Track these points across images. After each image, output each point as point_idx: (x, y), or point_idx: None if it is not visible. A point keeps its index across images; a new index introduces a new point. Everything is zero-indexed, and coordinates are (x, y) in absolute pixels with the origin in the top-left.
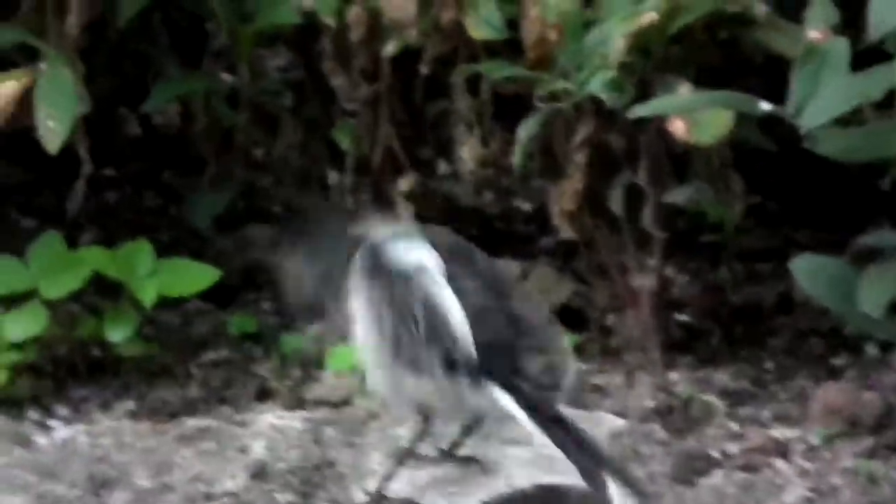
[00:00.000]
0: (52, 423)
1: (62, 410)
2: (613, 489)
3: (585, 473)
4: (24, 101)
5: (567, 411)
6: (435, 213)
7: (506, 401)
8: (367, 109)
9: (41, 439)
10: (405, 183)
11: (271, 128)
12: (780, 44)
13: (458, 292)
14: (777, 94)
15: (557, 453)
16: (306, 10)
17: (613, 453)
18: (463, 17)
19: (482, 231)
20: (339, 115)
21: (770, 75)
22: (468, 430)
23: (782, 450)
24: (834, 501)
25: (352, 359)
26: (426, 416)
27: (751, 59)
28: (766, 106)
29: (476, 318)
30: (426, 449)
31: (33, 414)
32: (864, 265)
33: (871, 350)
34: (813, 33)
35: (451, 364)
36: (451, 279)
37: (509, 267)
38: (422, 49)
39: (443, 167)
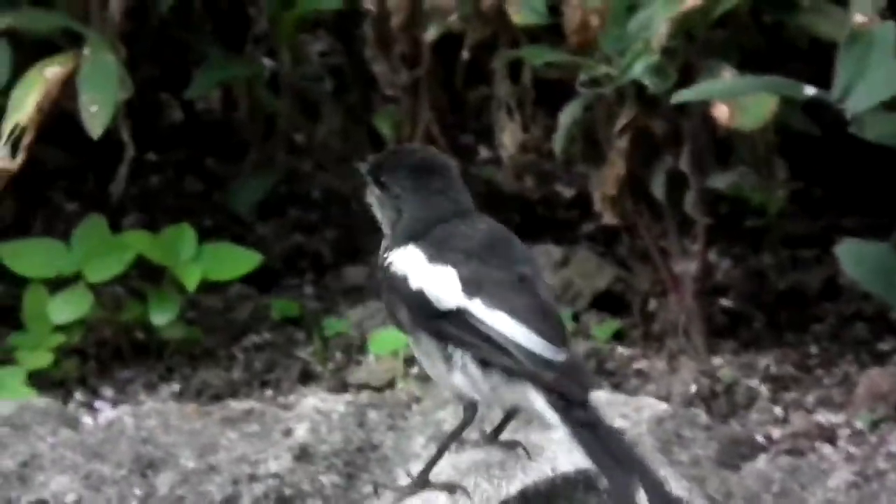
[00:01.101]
0: (98, 404)
1: (108, 392)
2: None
3: (613, 484)
4: (68, 86)
5: (609, 397)
6: (476, 198)
7: (539, 402)
8: (408, 95)
9: (88, 420)
10: None
11: (312, 113)
12: (826, 28)
13: (488, 284)
14: (822, 78)
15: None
16: None
17: (655, 441)
18: (504, 2)
19: (523, 217)
20: (379, 100)
21: (815, 60)
22: (511, 414)
23: (828, 435)
24: (880, 486)
25: (394, 342)
26: (471, 403)
27: (795, 43)
28: (810, 90)
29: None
30: (470, 433)
31: (80, 395)
32: None
33: None
34: (859, 17)
35: (485, 362)
36: (481, 277)
37: (550, 252)
38: (463, 34)
39: (483, 153)
